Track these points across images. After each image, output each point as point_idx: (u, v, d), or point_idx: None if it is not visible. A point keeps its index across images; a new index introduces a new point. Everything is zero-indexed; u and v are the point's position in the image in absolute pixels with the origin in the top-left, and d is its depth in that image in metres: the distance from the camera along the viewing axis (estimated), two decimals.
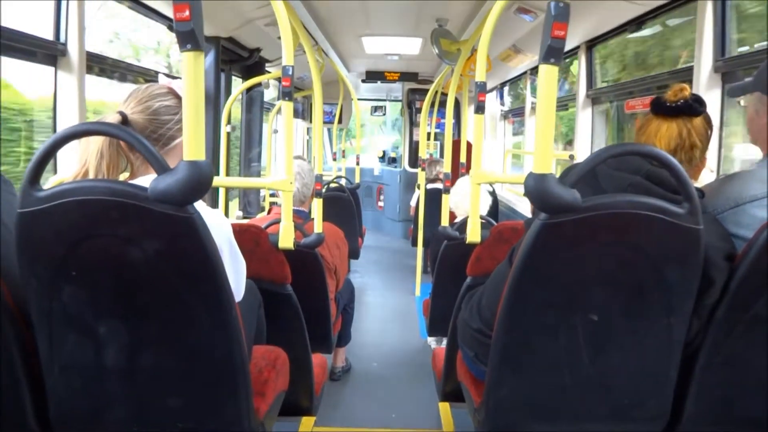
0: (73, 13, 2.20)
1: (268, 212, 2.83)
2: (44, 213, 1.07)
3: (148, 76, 3.08)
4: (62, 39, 2.22)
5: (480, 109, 2.23)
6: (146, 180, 1.26)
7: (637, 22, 3.05)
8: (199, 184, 1.05)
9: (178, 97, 1.38)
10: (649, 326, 1.23)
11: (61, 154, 2.20)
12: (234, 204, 4.55)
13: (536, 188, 1.11)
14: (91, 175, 1.28)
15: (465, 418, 2.25)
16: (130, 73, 2.94)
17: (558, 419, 1.36)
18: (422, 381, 3.25)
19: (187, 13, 0.99)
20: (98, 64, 2.61)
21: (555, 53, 1.07)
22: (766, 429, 1.35)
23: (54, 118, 2.26)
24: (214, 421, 1.31)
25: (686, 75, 2.44)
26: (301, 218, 2.63)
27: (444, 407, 2.41)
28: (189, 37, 1.01)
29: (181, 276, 1.14)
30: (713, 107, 2.28)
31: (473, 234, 2.27)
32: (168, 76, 1.42)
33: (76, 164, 1.31)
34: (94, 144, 1.30)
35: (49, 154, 1.08)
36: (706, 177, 1.59)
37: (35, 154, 1.08)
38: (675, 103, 1.37)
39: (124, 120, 1.31)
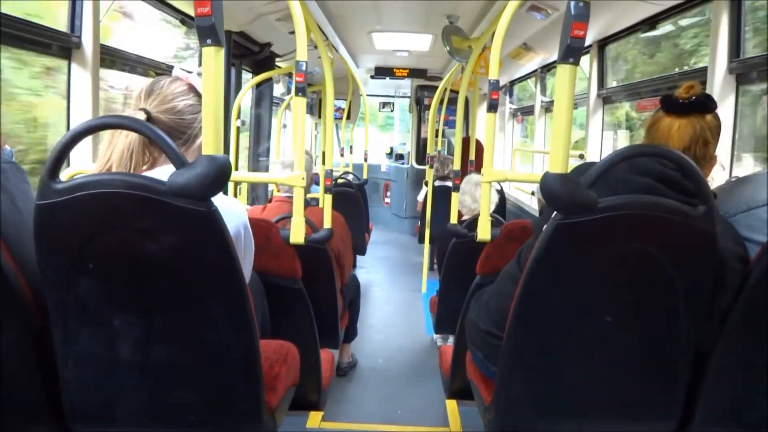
0: (87, 5, 2.21)
1: (269, 201, 2.86)
2: (62, 205, 1.07)
3: (160, 69, 3.09)
4: (77, 32, 2.23)
5: (492, 107, 2.23)
6: (163, 171, 1.27)
7: (651, 22, 3.04)
8: (218, 178, 1.05)
9: (198, 95, 1.36)
10: (661, 327, 1.23)
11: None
12: (242, 198, 4.56)
13: (553, 188, 1.11)
14: (114, 170, 1.28)
15: (472, 416, 2.26)
16: (142, 66, 2.94)
17: (569, 418, 1.37)
18: (428, 378, 3.25)
19: (208, 8, 1.00)
20: (111, 57, 2.62)
21: (574, 53, 1.07)
22: None
23: (68, 110, 2.27)
24: (226, 415, 1.31)
25: (700, 76, 2.43)
26: None
27: (451, 405, 2.42)
28: (209, 32, 1.02)
29: (197, 271, 1.15)
30: (728, 108, 2.27)
31: (483, 232, 2.27)
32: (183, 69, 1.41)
33: (101, 158, 1.29)
34: (122, 140, 1.28)
35: (68, 147, 1.09)
36: (717, 175, 1.58)
37: (54, 147, 1.09)
38: (687, 100, 1.35)
39: (149, 118, 1.29)
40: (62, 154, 1.09)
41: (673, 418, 1.32)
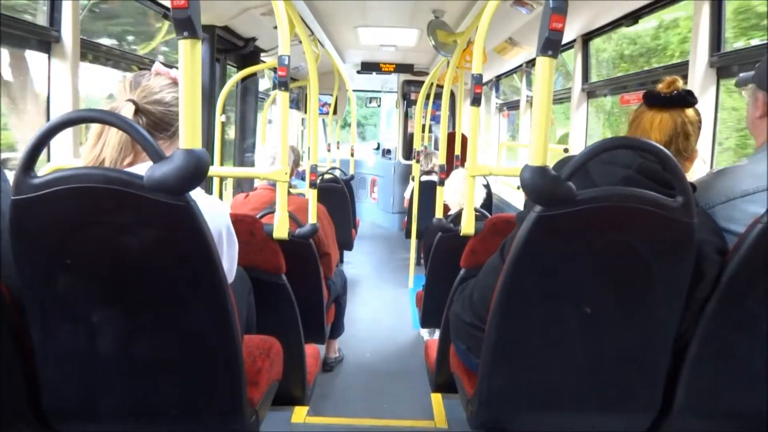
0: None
1: (253, 189, 2.88)
2: (39, 200, 1.06)
3: (142, 64, 3.06)
4: (56, 26, 2.20)
5: (476, 101, 2.23)
6: (146, 167, 1.26)
7: (634, 16, 3.06)
8: (196, 172, 1.05)
9: None
10: (640, 318, 1.25)
11: (54, 141, 2.19)
12: (228, 194, 4.54)
13: (532, 181, 1.11)
14: (107, 165, 1.27)
15: (457, 409, 2.27)
16: (124, 61, 2.92)
17: (550, 410, 1.38)
18: (414, 372, 3.27)
19: (184, 0, 0.99)
20: (92, 52, 2.59)
21: (552, 45, 1.07)
22: (754, 421, 1.37)
23: (48, 105, 2.24)
24: (207, 410, 1.31)
25: (681, 70, 2.45)
26: None
27: (436, 398, 2.43)
28: (186, 25, 1.01)
29: (176, 265, 1.14)
30: (708, 102, 2.29)
31: (468, 226, 2.27)
32: (164, 65, 1.41)
33: (90, 153, 1.29)
34: (115, 136, 1.28)
35: (43, 142, 1.07)
36: (698, 168, 1.60)
37: (30, 141, 1.07)
38: (669, 94, 1.38)
39: (137, 109, 1.30)
40: (38, 148, 1.07)
41: (652, 408, 1.33)
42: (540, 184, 1.11)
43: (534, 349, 1.30)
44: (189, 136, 1.06)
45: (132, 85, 1.33)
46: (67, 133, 2.20)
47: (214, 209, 1.37)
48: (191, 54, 1.03)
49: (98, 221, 1.09)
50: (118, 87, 1.35)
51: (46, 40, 2.18)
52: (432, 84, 4.95)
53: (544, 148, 1.12)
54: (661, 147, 1.15)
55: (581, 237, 1.17)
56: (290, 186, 2.93)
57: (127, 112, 1.27)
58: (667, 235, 1.17)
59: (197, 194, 1.21)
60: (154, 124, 1.32)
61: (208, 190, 3.59)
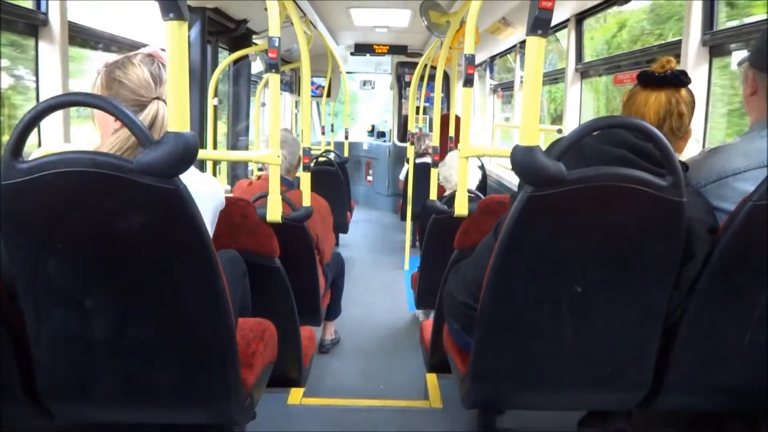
0: None
1: (258, 178, 2.88)
2: (27, 185, 1.05)
3: (134, 48, 3.02)
4: (43, 8, 2.17)
5: (468, 82, 2.22)
6: None
7: None
8: (185, 155, 1.04)
9: None
10: (631, 297, 1.25)
11: (45, 125, 2.18)
12: (222, 177, 4.52)
13: (522, 160, 1.11)
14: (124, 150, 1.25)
15: (451, 389, 2.29)
16: (114, 45, 2.88)
17: (541, 388, 1.39)
18: (410, 353, 3.29)
19: None
20: (81, 35, 2.56)
21: (542, 24, 1.06)
22: (744, 398, 1.38)
23: (37, 89, 2.22)
24: (200, 393, 1.32)
25: (675, 49, 2.44)
26: (285, 186, 2.62)
27: (431, 378, 2.45)
28: (171, 6, 1.00)
29: (167, 248, 1.14)
30: (701, 80, 2.28)
31: (461, 207, 2.28)
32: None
33: (103, 147, 1.26)
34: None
35: (31, 125, 1.06)
36: (692, 148, 1.60)
37: (17, 125, 1.06)
38: (663, 74, 1.39)
39: None
40: (25, 132, 1.06)
41: (643, 385, 1.35)
42: (530, 163, 1.11)
43: (526, 328, 1.31)
44: (177, 119, 1.05)
45: (156, 80, 1.32)
46: (57, 117, 2.19)
47: (208, 188, 1.36)
48: (178, 36, 1.02)
49: (88, 205, 1.09)
50: (138, 74, 1.31)
51: (32, 23, 2.15)
52: (426, 65, 4.92)
53: (535, 128, 1.12)
54: (650, 125, 1.15)
55: (572, 216, 1.17)
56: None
57: (165, 111, 1.27)
58: (657, 213, 1.17)
59: (191, 174, 1.20)
60: None
61: None
